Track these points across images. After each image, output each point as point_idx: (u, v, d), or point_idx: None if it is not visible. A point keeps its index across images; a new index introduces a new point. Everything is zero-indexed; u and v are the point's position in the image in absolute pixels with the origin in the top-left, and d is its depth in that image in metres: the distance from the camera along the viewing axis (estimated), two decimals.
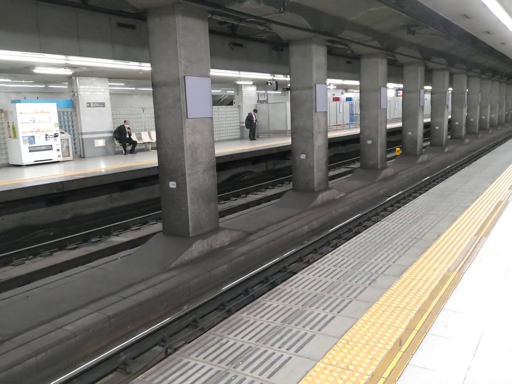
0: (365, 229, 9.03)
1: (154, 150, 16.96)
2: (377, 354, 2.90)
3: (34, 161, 13.13)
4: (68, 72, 13.00)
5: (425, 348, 2.97)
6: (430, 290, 3.93)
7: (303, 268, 7.00)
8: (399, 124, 24.75)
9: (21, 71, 12.87)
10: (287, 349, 3.03)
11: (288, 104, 21.14)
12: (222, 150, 15.80)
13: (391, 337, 3.13)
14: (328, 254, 5.09)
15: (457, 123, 24.13)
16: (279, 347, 3.06)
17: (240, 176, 16.47)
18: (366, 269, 4.57)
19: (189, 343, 3.14)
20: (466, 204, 7.43)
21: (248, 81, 20.19)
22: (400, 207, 10.74)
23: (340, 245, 7.40)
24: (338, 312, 3.56)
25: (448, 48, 18.14)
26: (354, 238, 5.78)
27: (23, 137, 12.77)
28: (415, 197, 11.89)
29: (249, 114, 20.70)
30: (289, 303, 3.78)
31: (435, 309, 3.53)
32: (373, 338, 3.13)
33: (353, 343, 3.05)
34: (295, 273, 6.92)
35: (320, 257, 7.36)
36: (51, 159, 13.58)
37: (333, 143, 18.85)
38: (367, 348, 2.99)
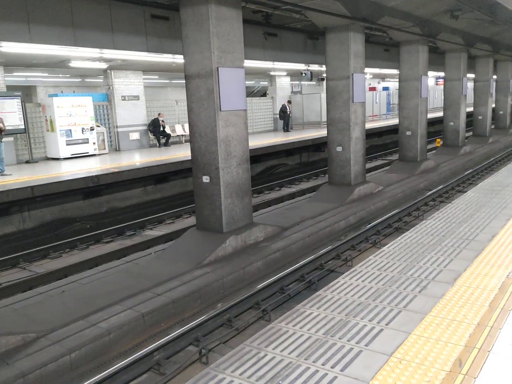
0: (405, 225, 8.66)
1: (187, 143, 16.92)
2: (434, 377, 2.59)
3: (71, 155, 13.32)
4: (103, 65, 13.07)
5: (489, 371, 2.64)
6: (489, 300, 3.57)
7: (340, 266, 6.79)
8: (439, 114, 23.82)
9: (57, 65, 13.04)
10: (332, 367, 2.76)
11: (323, 95, 20.74)
12: (255, 142, 15.58)
13: (449, 355, 2.80)
14: (371, 256, 4.75)
15: (501, 112, 22.99)
16: (323, 364, 2.79)
17: (274, 168, 16.23)
18: (415, 274, 4.21)
19: (224, 355, 2.93)
20: None
21: (282, 71, 19.81)
22: (443, 202, 10.25)
23: (382, 246, 7.07)
24: (386, 324, 3.25)
25: (493, 34, 17.19)
26: (398, 238, 5.40)
27: (60, 130, 12.96)
28: (459, 192, 11.33)
29: (283, 105, 20.35)
30: (331, 312, 3.50)
31: (496, 323, 3.18)
32: (429, 356, 2.82)
33: (406, 362, 2.74)
34: (332, 271, 6.66)
35: (361, 257, 7.07)
36: (88, 153, 13.75)
37: (369, 135, 18.25)
38: (422, 369, 2.68)
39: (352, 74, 9.79)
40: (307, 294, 5.82)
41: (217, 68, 6.54)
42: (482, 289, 3.79)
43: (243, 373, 2.75)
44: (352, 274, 4.27)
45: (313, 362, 2.83)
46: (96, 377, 4.13)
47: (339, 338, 3.09)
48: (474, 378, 2.58)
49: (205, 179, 7.00)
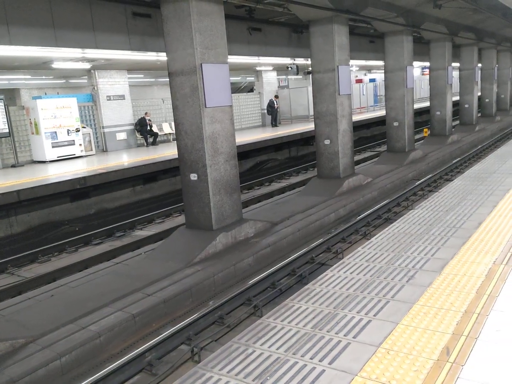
0: (395, 216, 8.69)
1: (175, 141, 16.84)
2: (422, 366, 2.60)
3: (57, 157, 13.17)
4: (87, 65, 12.91)
5: (477, 358, 2.65)
6: (476, 287, 3.58)
7: (331, 259, 6.79)
8: (426, 104, 23.95)
9: (40, 66, 12.84)
10: (320, 361, 2.75)
11: (310, 89, 20.68)
12: (244, 138, 15.53)
13: (437, 344, 2.81)
14: (360, 248, 4.75)
15: (487, 100, 23.19)
16: (311, 358, 2.78)
17: (263, 164, 16.20)
18: (402, 264, 4.22)
19: (212, 353, 2.91)
20: (507, 187, 6.93)
21: (268, 66, 19.75)
22: (432, 191, 10.31)
23: (371, 237, 7.07)
24: (374, 316, 3.25)
25: (476, 22, 17.27)
26: (386, 229, 5.41)
27: (45, 133, 12.80)
28: (447, 180, 11.40)
29: (270, 100, 20.31)
30: (320, 305, 3.49)
31: (483, 310, 3.19)
32: (416, 346, 2.82)
33: (394, 353, 2.74)
34: (323, 264, 6.67)
35: (351, 249, 7.08)
36: (74, 154, 13.60)
37: (357, 127, 18.33)
38: (410, 359, 2.68)
39: (338, 67, 9.78)
40: (298, 288, 5.82)
41: (201, 64, 6.48)
42: (469, 276, 3.80)
43: (231, 370, 2.73)
44: (340, 266, 4.26)
45: (301, 356, 2.82)
46: (87, 381, 4.10)
47: (327, 331, 3.07)
48: (462, 365, 2.58)
49: (193, 176, 6.95)
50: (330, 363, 2.72)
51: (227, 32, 6.92)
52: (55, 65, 12.01)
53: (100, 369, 4.27)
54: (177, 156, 7.29)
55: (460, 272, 3.90)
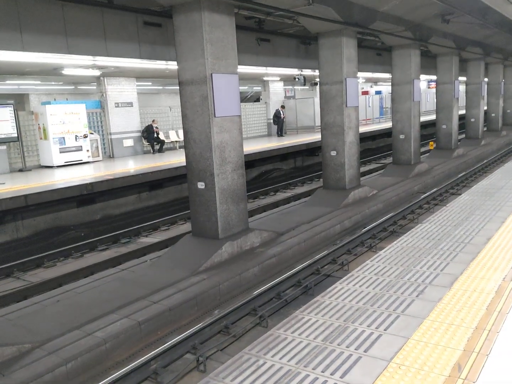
0: (400, 228, 8.68)
1: (181, 149, 16.92)
2: (433, 382, 2.59)
3: (65, 162, 13.26)
4: (96, 72, 13.04)
5: (489, 375, 2.64)
6: (486, 303, 3.57)
7: (336, 270, 6.78)
8: (432, 117, 24.01)
9: (50, 72, 12.99)
10: (332, 374, 2.74)
11: (316, 100, 20.85)
12: (250, 147, 15.59)
13: (448, 360, 2.80)
14: (368, 261, 4.75)
15: (493, 114, 23.21)
16: (322, 371, 2.76)
17: (269, 173, 16.24)
18: (412, 278, 4.21)
19: (222, 363, 2.91)
20: None
21: (275, 77, 19.88)
22: (437, 205, 10.29)
23: (378, 249, 7.07)
24: (384, 330, 3.25)
25: (484, 37, 17.36)
26: (394, 242, 5.41)
27: (53, 138, 12.91)
28: (453, 194, 11.38)
29: (276, 110, 20.41)
30: (329, 318, 3.49)
31: (494, 327, 3.18)
32: (428, 361, 2.81)
33: (406, 368, 2.73)
34: (328, 275, 6.66)
35: (356, 261, 7.07)
36: (81, 160, 13.69)
37: (362, 138, 18.35)
38: (421, 374, 2.67)
39: (345, 79, 9.84)
40: (304, 300, 5.81)
41: (211, 74, 6.54)
42: (479, 292, 3.79)
43: (243, 381, 2.73)
44: (349, 279, 4.26)
45: (313, 369, 2.81)
46: None
47: (338, 345, 3.07)
48: (473, 382, 2.57)
49: (200, 185, 6.98)
50: (341, 377, 2.71)
51: (236, 43, 6.99)
52: (66, 71, 12.14)
53: (106, 376, 4.27)
54: (182, 164, 7.33)
55: (470, 288, 3.89)
